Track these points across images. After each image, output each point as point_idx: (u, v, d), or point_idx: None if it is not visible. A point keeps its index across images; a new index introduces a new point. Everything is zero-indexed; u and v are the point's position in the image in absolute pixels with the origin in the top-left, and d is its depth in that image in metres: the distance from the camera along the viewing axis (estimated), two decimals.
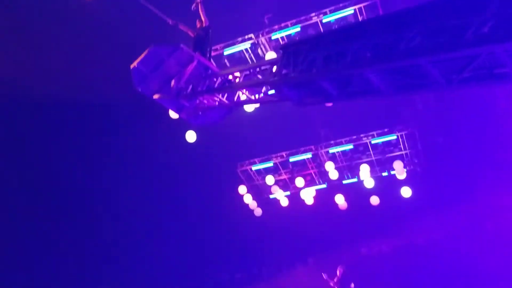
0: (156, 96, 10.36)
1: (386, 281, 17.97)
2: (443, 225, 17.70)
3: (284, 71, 7.99)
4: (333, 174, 17.81)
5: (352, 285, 15.34)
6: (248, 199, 20.19)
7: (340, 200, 18.73)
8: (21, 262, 19.86)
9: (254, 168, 19.81)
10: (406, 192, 17.52)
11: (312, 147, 18.44)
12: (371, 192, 18.19)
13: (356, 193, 18.61)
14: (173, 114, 11.58)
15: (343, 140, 17.91)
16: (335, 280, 16.11)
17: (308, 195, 19.27)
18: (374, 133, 17.28)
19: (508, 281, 16.73)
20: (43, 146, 18.45)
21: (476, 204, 17.28)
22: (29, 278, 20.51)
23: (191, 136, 15.61)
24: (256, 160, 19.66)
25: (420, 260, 17.86)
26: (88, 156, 19.64)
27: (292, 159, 19.09)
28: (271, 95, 8.93)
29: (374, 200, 18.27)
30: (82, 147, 19.41)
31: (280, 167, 19.37)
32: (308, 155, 18.61)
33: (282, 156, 19.17)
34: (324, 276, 16.16)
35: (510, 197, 16.85)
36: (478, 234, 17.39)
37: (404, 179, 17.46)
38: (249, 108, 12.69)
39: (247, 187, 20.00)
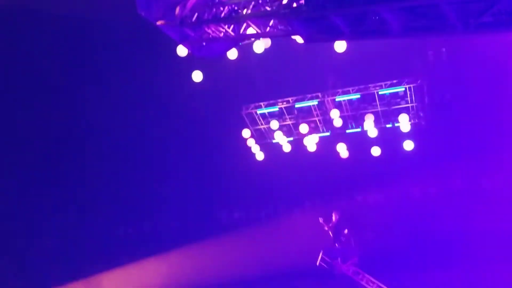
0: (159, 23, 10.06)
1: (379, 230, 18.47)
2: (441, 180, 17.94)
3: (295, 4, 7.80)
4: (338, 122, 17.85)
5: (346, 231, 15.73)
6: (251, 142, 20.33)
7: (342, 149, 18.86)
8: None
9: (259, 111, 19.81)
10: (408, 145, 17.62)
11: (319, 94, 18.37)
12: (373, 143, 18.30)
13: (359, 143, 18.73)
14: (181, 51, 11.37)
15: (350, 89, 17.82)
16: (330, 225, 16.52)
17: (310, 142, 19.38)
18: (382, 83, 17.17)
19: (500, 238, 17.14)
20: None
21: (475, 163, 17.43)
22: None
23: (197, 76, 15.51)
24: (261, 104, 19.62)
25: (414, 213, 18.25)
26: (90, 93, 19.63)
27: (298, 105, 19.06)
28: (280, 29, 8.73)
29: (376, 151, 18.40)
30: (81, 84, 19.39)
31: (285, 112, 19.37)
32: (314, 102, 18.57)
33: (288, 102, 19.13)
34: (320, 220, 16.55)
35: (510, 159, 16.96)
36: (475, 192, 17.67)
37: (408, 132, 17.51)
38: (258, 48, 12.48)
39: (251, 131, 20.09)
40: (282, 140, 20.02)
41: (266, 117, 19.78)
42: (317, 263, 15.43)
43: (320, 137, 19.39)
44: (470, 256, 17.96)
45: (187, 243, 22.23)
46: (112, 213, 23.91)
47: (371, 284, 14.45)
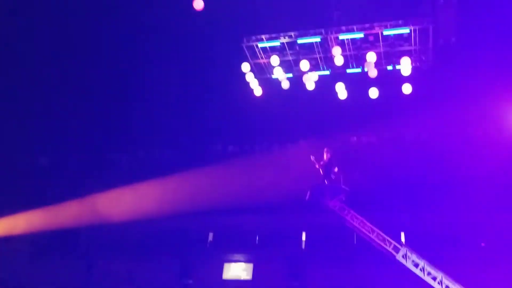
0: None
1: (369, 171, 18.81)
2: (434, 126, 18.03)
3: None
4: (339, 60, 17.61)
5: (336, 169, 15.89)
6: (250, 77, 20.12)
7: (340, 89, 18.73)
8: None
9: (260, 45, 19.43)
10: (407, 88, 17.52)
11: (322, 30, 17.97)
12: (372, 84, 18.18)
13: (358, 84, 18.61)
14: None
15: (354, 27, 17.43)
16: (321, 163, 16.68)
17: (310, 81, 19.20)
18: (388, 23, 16.78)
19: (488, 181, 17.49)
20: None
21: (471, 111, 17.46)
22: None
23: (198, 3, 15.11)
24: (263, 37, 19.23)
25: (405, 156, 18.50)
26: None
27: (300, 41, 18.69)
28: None
29: (373, 93, 18.31)
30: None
31: (287, 48, 19.04)
32: (317, 39, 18.21)
33: (290, 37, 18.74)
34: (312, 158, 16.70)
35: (504, 111, 16.99)
36: (466, 140, 17.84)
37: (408, 76, 17.35)
38: None
39: (250, 64, 19.84)
40: (282, 76, 19.83)
41: (267, 51, 19.42)
42: (306, 198, 15.76)
43: (319, 76, 19.21)
44: (458, 198, 18.49)
45: (181, 172, 22.66)
46: (109, 138, 24.21)
47: (355, 220, 14.87)
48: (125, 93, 22.85)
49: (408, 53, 17.26)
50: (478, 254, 19.17)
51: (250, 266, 23.52)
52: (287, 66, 19.66)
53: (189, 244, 23.96)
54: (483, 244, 19.92)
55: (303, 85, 19.40)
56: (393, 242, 14.66)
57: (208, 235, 24.63)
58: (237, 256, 23.77)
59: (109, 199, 23.41)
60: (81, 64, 21.37)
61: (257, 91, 20.28)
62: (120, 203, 23.20)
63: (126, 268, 23.62)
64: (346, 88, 18.74)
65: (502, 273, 18.02)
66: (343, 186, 15.27)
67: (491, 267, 18.03)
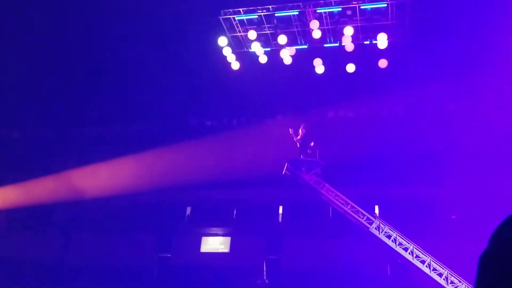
0: None
1: (345, 145, 19.04)
2: (409, 101, 18.23)
3: None
4: (317, 33, 17.55)
5: (312, 143, 16.05)
6: (227, 51, 19.92)
7: (317, 63, 18.73)
8: None
9: (237, 18, 19.19)
10: (383, 63, 17.61)
11: (300, 4, 17.83)
12: (349, 59, 18.23)
13: (335, 58, 18.62)
14: None
15: (332, 1, 17.34)
16: (298, 137, 16.80)
17: (287, 55, 19.12)
18: None
19: (464, 155, 17.89)
20: None
21: (445, 86, 17.70)
22: None
23: None
24: (241, 10, 18.99)
25: (380, 130, 18.74)
26: None
27: (278, 14, 18.49)
28: None
29: (350, 67, 18.38)
30: None
31: (264, 21, 18.83)
32: (295, 12, 18.05)
33: (268, 10, 18.54)
34: (290, 131, 16.80)
35: (479, 85, 17.27)
36: (441, 113, 18.11)
37: (384, 51, 17.44)
38: None
39: (228, 38, 19.62)
40: (259, 51, 19.69)
41: (245, 24, 19.20)
42: (283, 172, 15.92)
43: (297, 50, 19.15)
44: (430, 173, 18.92)
45: (158, 146, 22.57)
46: (84, 113, 23.85)
47: (330, 193, 15.14)
48: (101, 67, 22.42)
49: (385, 28, 17.27)
50: (448, 227, 19.76)
51: (227, 240, 23.81)
52: (265, 40, 19.48)
53: (167, 218, 24.06)
54: (453, 217, 20.52)
55: (281, 59, 19.34)
56: (367, 214, 14.99)
57: (186, 209, 24.77)
58: (214, 230, 24.02)
59: (85, 174, 23.23)
60: (52, 39, 20.83)
61: (235, 65, 20.14)
62: (96, 177, 23.04)
63: (103, 243, 23.65)
64: (324, 62, 18.76)
65: (471, 244, 18.59)
66: (318, 160, 15.45)
67: (461, 239, 18.60)
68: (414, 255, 14.04)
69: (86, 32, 20.75)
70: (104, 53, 21.76)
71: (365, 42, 17.94)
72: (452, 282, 13.54)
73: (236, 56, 19.95)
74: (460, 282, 13.61)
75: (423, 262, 13.91)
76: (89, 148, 24.00)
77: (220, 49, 19.78)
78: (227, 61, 20.01)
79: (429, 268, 13.72)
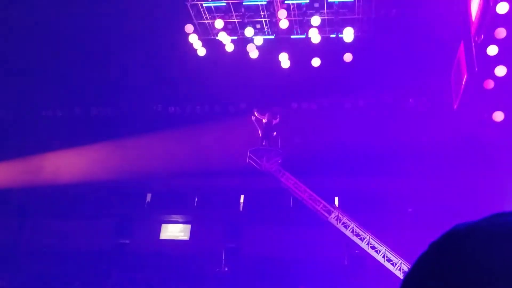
0: None
1: (308, 136, 19.29)
2: (371, 94, 18.59)
3: None
4: (284, 23, 17.57)
5: (274, 133, 16.25)
6: (193, 38, 19.70)
7: (283, 58, 18.79)
8: None
9: (205, 4, 18.98)
10: (348, 57, 17.87)
11: None
12: (315, 53, 18.39)
13: (301, 51, 18.74)
14: None
15: None
16: (261, 125, 16.94)
17: (253, 49, 19.07)
18: None
19: (416, 152, 18.43)
20: None
21: (408, 82, 18.15)
22: None
23: None
24: None
25: (343, 123, 19.08)
26: None
27: (246, 3, 18.41)
28: None
29: (316, 62, 18.54)
30: None
31: (232, 9, 18.71)
32: (263, 2, 18.01)
33: None
34: (253, 118, 16.90)
35: (441, 81, 17.79)
36: (401, 109, 18.58)
37: (349, 44, 17.68)
38: None
39: (194, 24, 19.39)
40: (226, 40, 19.57)
41: (212, 11, 19.02)
42: (247, 161, 16.04)
43: (264, 40, 19.13)
44: (389, 166, 19.44)
45: (120, 132, 22.17)
46: (45, 98, 23.13)
47: (290, 181, 15.41)
48: (63, 50, 21.72)
49: (351, 22, 17.51)
50: (405, 219, 20.39)
51: (187, 227, 23.75)
52: (232, 28, 19.36)
53: (127, 204, 23.74)
54: (410, 210, 21.18)
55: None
56: (324, 202, 15.30)
57: (146, 196, 24.49)
58: (175, 217, 23.90)
59: (44, 159, 22.60)
60: (12, 19, 20.02)
61: (201, 52, 19.95)
62: (56, 162, 22.46)
63: (61, 228, 23.12)
64: (290, 54, 18.85)
65: (426, 237, 19.28)
66: (279, 150, 15.67)
67: (416, 231, 19.22)
68: (370, 245, 14.43)
69: (50, 14, 20.05)
70: (66, 37, 21.09)
71: (331, 36, 18.14)
72: (404, 271, 14.01)
73: (202, 43, 19.77)
74: None
75: (378, 252, 14.31)
76: (47, 133, 23.30)
77: (186, 35, 19.57)
78: (193, 47, 19.82)
79: (384, 258, 14.14)
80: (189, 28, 19.35)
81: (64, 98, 23.12)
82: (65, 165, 22.21)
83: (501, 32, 10.94)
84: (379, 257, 14.19)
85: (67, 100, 23.50)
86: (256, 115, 15.79)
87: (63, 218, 23.48)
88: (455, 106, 14.78)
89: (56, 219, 23.44)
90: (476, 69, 11.59)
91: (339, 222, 14.98)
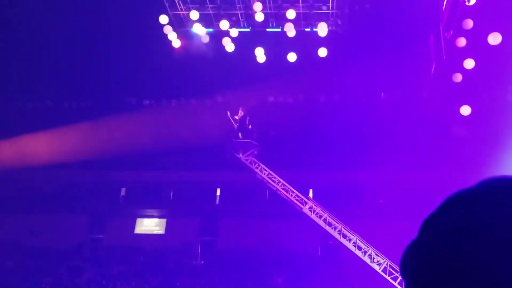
0: None
1: (283, 130, 19.47)
2: (346, 88, 18.88)
3: None
4: (259, 16, 17.71)
5: (250, 126, 16.40)
6: (168, 29, 19.62)
7: (259, 53, 18.91)
8: None
9: None
10: (322, 52, 18.13)
11: None
12: (290, 47, 18.57)
13: (276, 44, 18.90)
14: None
15: None
16: (236, 117, 17.05)
17: (229, 43, 19.13)
18: None
19: (387, 145, 18.82)
20: None
21: (378, 76, 18.49)
22: None
23: None
24: None
25: (317, 117, 19.33)
26: None
27: None
28: None
29: (291, 57, 18.74)
30: None
31: (208, 1, 18.73)
32: None
33: None
34: (228, 113, 17.01)
35: (413, 75, 18.22)
36: (374, 101, 18.94)
37: (323, 39, 17.93)
38: None
39: (169, 16, 19.33)
40: (201, 32, 19.57)
41: (187, 3, 18.98)
42: (225, 153, 16.24)
43: (240, 32, 19.20)
44: (361, 158, 19.81)
45: (93, 125, 21.89)
46: (16, 86, 22.63)
47: (264, 172, 15.62)
48: (35, 40, 21.30)
49: (325, 16, 17.77)
50: (376, 210, 20.82)
51: (163, 221, 23.65)
52: (207, 20, 19.37)
53: (101, 199, 23.45)
54: (381, 201, 21.64)
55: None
56: (296, 192, 15.55)
57: (120, 190, 24.26)
58: (150, 212, 23.76)
59: (14, 151, 22.10)
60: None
61: (176, 43, 19.89)
62: (28, 155, 21.98)
63: (32, 223, 22.70)
64: (265, 47, 18.99)
65: (396, 227, 19.81)
66: (255, 142, 15.84)
67: (387, 221, 19.67)
68: (342, 234, 14.74)
69: (22, 5, 19.64)
70: (39, 27, 20.70)
71: (306, 30, 18.37)
72: (378, 263, 14.37)
73: (177, 35, 19.72)
74: (383, 260, 14.46)
75: (349, 240, 14.63)
76: (19, 125, 22.81)
77: (161, 27, 19.47)
78: (168, 39, 19.75)
79: (355, 246, 14.47)
80: (163, 19, 19.28)
81: (36, 88, 22.67)
82: (38, 158, 21.77)
83: (468, 23, 11.31)
84: (350, 246, 14.53)
85: (39, 91, 23.05)
86: (229, 114, 15.95)
87: (34, 213, 23.05)
88: (425, 97, 15.18)
89: (26, 215, 23.00)
90: (444, 57, 11.95)
91: (313, 212, 15.23)
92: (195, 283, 20.82)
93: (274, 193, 18.26)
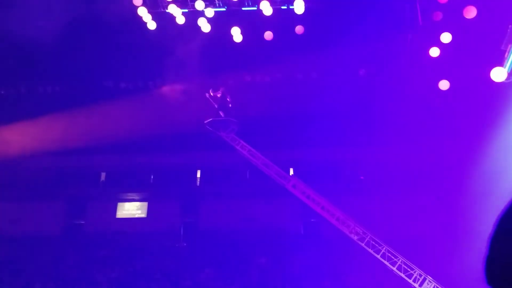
0: None
1: (262, 108, 19.44)
2: (323, 66, 18.89)
3: None
4: None
5: (230, 105, 16.41)
6: (142, 11, 19.21)
7: (236, 33, 18.68)
8: None
9: None
10: (299, 29, 17.99)
11: None
12: (266, 25, 18.37)
13: (253, 23, 18.68)
14: None
15: None
16: (216, 99, 16.97)
17: (205, 24, 18.84)
18: None
19: (366, 121, 18.97)
20: None
21: (357, 51, 18.50)
22: None
23: None
24: None
25: (295, 95, 19.37)
26: None
27: None
28: None
29: (268, 35, 18.56)
30: None
31: None
32: None
33: None
34: (207, 95, 16.92)
35: (391, 50, 18.28)
36: (352, 79, 19.02)
37: (300, 17, 17.77)
38: None
39: None
40: (176, 13, 19.21)
41: None
42: (206, 130, 16.27)
43: (215, 12, 18.92)
44: (341, 135, 20.01)
45: (70, 109, 21.45)
46: None
47: (244, 148, 15.75)
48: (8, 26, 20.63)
49: None
50: (357, 186, 21.11)
51: (144, 205, 23.55)
52: (182, 0, 19.03)
53: (80, 184, 23.21)
54: (362, 177, 21.94)
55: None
56: (276, 167, 15.68)
57: (100, 174, 24.01)
58: (131, 195, 23.60)
59: None
60: None
61: (151, 25, 19.51)
62: (5, 140, 21.45)
63: (9, 209, 22.32)
64: (241, 26, 18.75)
65: (376, 202, 20.23)
66: (233, 119, 15.93)
67: (367, 197, 20.00)
68: (326, 210, 14.95)
69: None
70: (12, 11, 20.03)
71: (282, 7, 18.18)
72: (357, 232, 14.66)
73: (152, 16, 19.33)
74: (364, 234, 14.73)
75: (332, 215, 14.86)
76: None
77: (135, 8, 19.05)
78: (143, 21, 19.34)
79: (339, 221, 14.71)
80: (137, 1, 18.86)
81: (11, 73, 22.04)
82: (14, 143, 21.28)
83: None
84: (334, 220, 14.76)
85: (14, 76, 22.42)
86: (208, 96, 15.86)
87: (14, 201, 22.69)
88: (404, 72, 15.29)
89: (5, 203, 22.62)
90: (421, 23, 12.01)
91: (297, 189, 15.43)
92: (179, 265, 20.88)
93: (254, 173, 18.32)
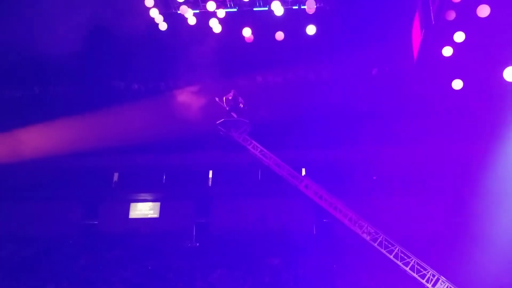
0: None
1: (275, 109, 19.46)
2: (334, 65, 18.83)
3: None
4: None
5: (241, 105, 16.41)
6: (154, 12, 19.34)
7: (247, 33, 18.70)
8: None
9: None
10: (311, 29, 17.94)
11: None
12: (278, 26, 18.36)
13: (264, 23, 18.68)
14: None
15: None
16: (227, 101, 16.97)
17: (216, 24, 18.89)
18: None
19: (379, 122, 18.89)
20: None
21: (372, 52, 18.44)
22: None
23: None
24: None
25: (307, 94, 19.34)
26: None
27: None
28: None
29: (279, 35, 18.54)
30: None
31: None
32: None
33: None
34: (217, 99, 16.99)
35: (403, 50, 18.15)
36: (364, 79, 18.91)
37: (312, 17, 17.73)
38: None
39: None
40: (188, 14, 19.29)
41: None
42: (218, 132, 16.33)
43: (226, 13, 18.96)
44: (354, 136, 19.94)
45: (84, 110, 21.67)
46: (3, 74, 22.27)
47: (256, 149, 15.74)
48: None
49: None
50: (370, 186, 21.00)
51: (157, 205, 23.69)
52: (193, 1, 19.10)
53: (94, 184, 23.43)
54: (374, 178, 21.82)
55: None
56: (288, 167, 15.63)
57: (113, 175, 24.21)
58: (143, 196, 23.75)
59: (5, 139, 21.86)
60: None
61: (162, 26, 19.61)
62: (18, 143, 21.76)
63: (25, 210, 22.63)
64: (253, 27, 18.76)
65: (389, 202, 20.12)
66: (246, 120, 15.94)
67: (380, 197, 19.89)
68: (338, 210, 14.92)
69: None
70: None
71: (294, 7, 18.17)
72: (369, 233, 14.59)
73: (163, 17, 19.43)
74: (377, 234, 14.64)
75: (345, 215, 14.80)
76: (9, 112, 22.54)
77: (147, 9, 19.17)
78: (155, 22, 19.46)
79: (351, 221, 14.67)
80: (149, 2, 18.97)
81: (25, 75, 22.34)
82: (28, 145, 21.56)
83: None
84: (346, 220, 14.70)
85: (28, 78, 22.73)
86: (218, 100, 15.95)
87: (29, 202, 22.98)
88: (416, 71, 15.16)
89: (21, 204, 22.93)
90: (433, 23, 11.89)
91: (310, 190, 15.39)
92: (191, 265, 20.95)
93: (266, 173, 18.29)
